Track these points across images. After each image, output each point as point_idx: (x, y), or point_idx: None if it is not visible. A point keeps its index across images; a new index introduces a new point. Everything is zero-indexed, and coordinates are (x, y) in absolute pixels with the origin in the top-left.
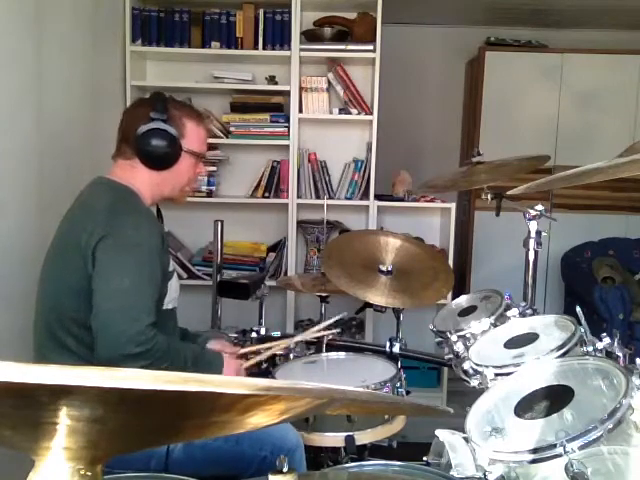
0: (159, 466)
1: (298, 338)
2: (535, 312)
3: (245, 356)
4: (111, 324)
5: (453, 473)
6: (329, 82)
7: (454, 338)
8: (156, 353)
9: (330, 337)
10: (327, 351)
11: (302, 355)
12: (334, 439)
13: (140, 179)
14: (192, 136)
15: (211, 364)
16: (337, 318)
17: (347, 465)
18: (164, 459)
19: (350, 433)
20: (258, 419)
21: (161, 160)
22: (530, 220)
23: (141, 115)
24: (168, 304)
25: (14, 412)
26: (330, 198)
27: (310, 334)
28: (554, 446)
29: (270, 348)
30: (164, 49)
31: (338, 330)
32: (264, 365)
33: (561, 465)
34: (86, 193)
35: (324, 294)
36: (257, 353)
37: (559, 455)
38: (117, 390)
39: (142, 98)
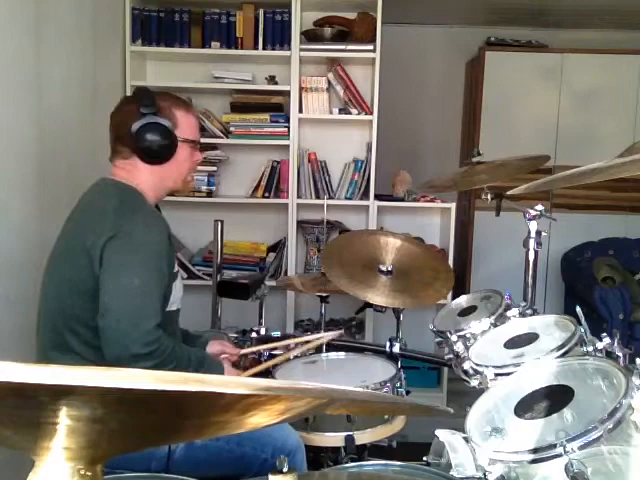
0: (160, 467)
1: (297, 352)
2: (535, 312)
3: (246, 356)
4: (119, 324)
5: (453, 473)
6: (329, 82)
7: (454, 338)
8: (162, 354)
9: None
10: (327, 351)
11: (302, 355)
12: (334, 439)
13: (143, 178)
14: (184, 124)
15: (212, 370)
16: (335, 334)
17: (347, 465)
18: (165, 460)
19: (350, 433)
20: (258, 419)
21: (160, 153)
22: (530, 220)
23: (131, 112)
24: (172, 305)
25: (14, 412)
26: (330, 198)
27: (308, 345)
28: (554, 446)
29: (273, 356)
30: (164, 49)
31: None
32: None
33: (561, 465)
34: (91, 194)
35: (324, 294)
36: (258, 353)
37: (559, 455)
38: (117, 390)
39: (126, 96)
